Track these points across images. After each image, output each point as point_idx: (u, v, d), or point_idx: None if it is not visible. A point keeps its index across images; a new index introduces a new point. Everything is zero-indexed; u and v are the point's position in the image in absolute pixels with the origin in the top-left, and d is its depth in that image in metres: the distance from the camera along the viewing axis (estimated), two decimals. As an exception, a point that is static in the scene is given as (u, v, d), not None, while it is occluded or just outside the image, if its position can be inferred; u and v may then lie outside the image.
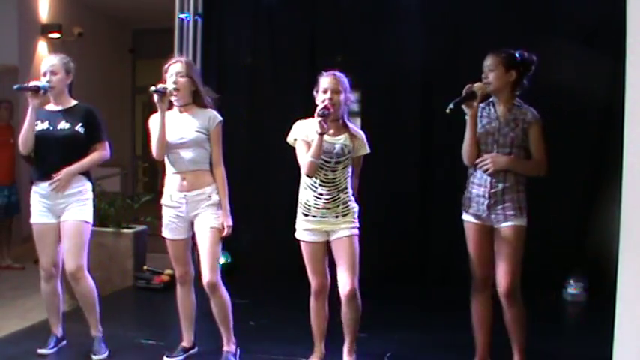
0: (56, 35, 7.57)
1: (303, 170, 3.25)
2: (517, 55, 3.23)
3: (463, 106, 3.19)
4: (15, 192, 6.36)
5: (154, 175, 10.61)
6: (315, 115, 3.13)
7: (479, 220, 3.24)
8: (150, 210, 5.92)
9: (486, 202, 3.19)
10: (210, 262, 3.36)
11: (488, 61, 3.22)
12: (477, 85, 3.19)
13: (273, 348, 3.77)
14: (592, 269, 5.05)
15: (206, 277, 3.36)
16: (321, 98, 3.24)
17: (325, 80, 3.27)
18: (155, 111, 3.35)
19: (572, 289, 5.06)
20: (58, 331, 3.72)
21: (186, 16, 5.97)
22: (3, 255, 6.36)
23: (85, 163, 3.54)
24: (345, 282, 3.24)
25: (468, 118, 3.20)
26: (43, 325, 4.07)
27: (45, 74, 3.53)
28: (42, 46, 7.58)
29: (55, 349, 3.67)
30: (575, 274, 5.08)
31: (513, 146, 3.19)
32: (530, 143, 3.19)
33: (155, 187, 10.37)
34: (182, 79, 3.38)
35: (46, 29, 7.56)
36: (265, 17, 5.86)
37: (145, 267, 5.49)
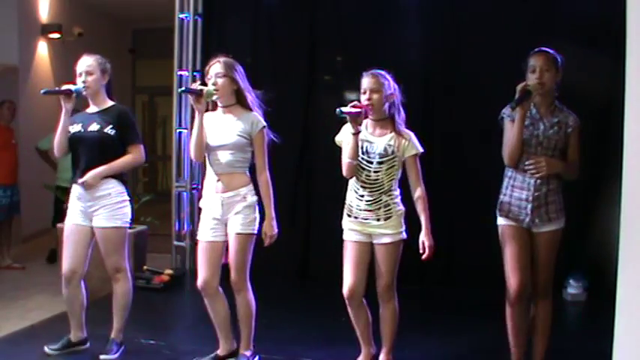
0: (56, 35, 7.58)
1: (343, 171, 3.21)
2: (559, 58, 3.20)
3: (518, 106, 3.07)
4: (17, 192, 6.37)
5: (154, 175, 10.63)
6: (337, 114, 3.08)
7: (521, 224, 3.17)
8: (150, 210, 5.92)
9: (530, 206, 3.14)
10: (235, 264, 3.34)
11: (541, 61, 3.13)
12: (531, 84, 3.09)
13: (273, 348, 3.76)
14: (592, 269, 5.05)
15: (232, 277, 3.35)
16: (362, 100, 3.20)
17: (364, 81, 3.22)
18: (194, 112, 3.33)
19: (572, 289, 5.05)
20: (75, 335, 3.67)
21: (186, 16, 5.98)
22: (3, 255, 6.36)
23: (114, 165, 3.50)
24: (379, 286, 3.27)
25: (517, 118, 3.09)
26: (43, 325, 4.08)
27: (80, 75, 3.53)
28: (42, 46, 7.58)
29: (59, 351, 3.62)
30: (575, 274, 5.08)
31: (556, 149, 3.15)
32: (570, 146, 3.17)
33: (155, 187, 10.41)
34: (221, 80, 3.32)
35: (46, 29, 7.57)
36: (265, 17, 5.86)
37: (144, 267, 5.49)
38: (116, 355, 3.59)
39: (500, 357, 3.37)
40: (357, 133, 3.12)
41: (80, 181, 3.47)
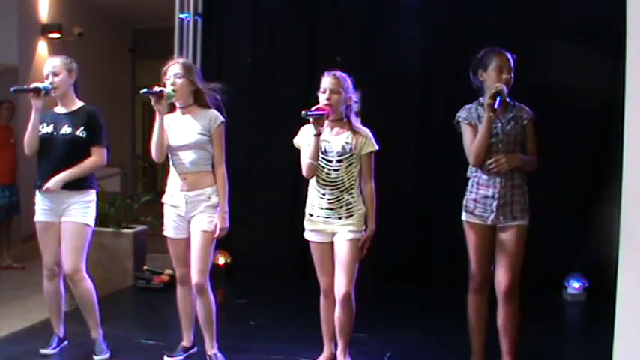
0: (56, 35, 7.57)
1: (303, 172, 3.25)
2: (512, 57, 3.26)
3: (493, 104, 3.09)
4: (16, 192, 6.37)
5: (154, 175, 10.63)
6: (303, 116, 3.12)
7: (483, 222, 3.22)
8: (150, 210, 5.91)
9: (495, 203, 3.18)
10: (198, 264, 3.36)
11: (506, 61, 3.20)
12: (500, 85, 3.12)
13: (273, 348, 3.76)
14: (592, 269, 5.05)
15: (194, 279, 3.37)
16: (321, 98, 3.24)
17: (325, 80, 3.27)
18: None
19: (572, 289, 5.06)
20: (60, 330, 3.72)
21: (186, 16, 5.97)
22: (3, 255, 6.36)
23: (75, 172, 3.50)
24: (339, 285, 3.24)
25: (486, 119, 3.11)
26: (43, 325, 4.07)
27: (47, 76, 3.53)
28: (42, 46, 7.57)
29: (57, 349, 3.67)
30: (575, 274, 5.09)
31: (516, 143, 3.21)
32: (527, 139, 3.24)
33: (155, 187, 10.40)
34: (179, 80, 3.37)
35: (46, 29, 7.56)
36: (265, 17, 5.86)
37: (144, 267, 5.48)
38: (108, 353, 3.60)
39: (500, 357, 3.36)
40: (318, 135, 3.16)
41: (43, 189, 3.48)
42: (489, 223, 3.21)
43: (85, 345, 3.68)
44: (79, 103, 3.64)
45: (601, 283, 4.82)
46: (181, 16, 5.97)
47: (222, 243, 5.29)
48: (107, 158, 3.65)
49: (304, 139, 3.29)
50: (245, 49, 5.81)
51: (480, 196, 3.23)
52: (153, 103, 3.31)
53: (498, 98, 3.06)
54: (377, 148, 3.31)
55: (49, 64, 3.57)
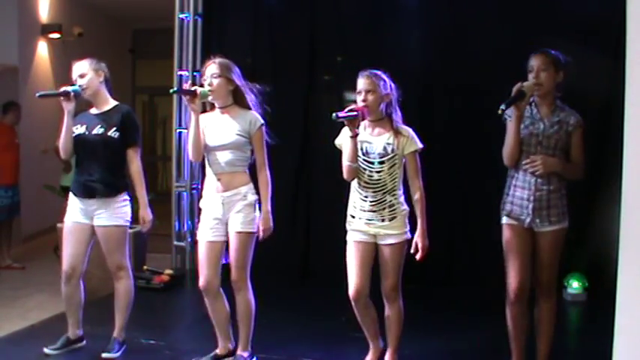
0: (56, 35, 7.57)
1: (343, 174, 3.20)
2: (561, 57, 3.20)
3: (512, 106, 3.09)
4: (17, 192, 6.37)
5: (154, 175, 10.63)
6: (334, 118, 3.08)
7: (523, 224, 3.17)
8: (150, 210, 5.92)
9: (531, 206, 3.13)
10: (236, 263, 3.35)
11: (538, 61, 3.14)
12: (526, 85, 3.10)
13: (274, 348, 3.76)
14: (592, 269, 5.05)
15: (233, 275, 3.36)
16: (357, 100, 3.19)
17: (359, 82, 3.21)
18: (204, 111, 3.35)
19: (572, 289, 5.06)
20: (71, 332, 3.69)
21: (186, 16, 5.98)
22: (3, 255, 6.36)
23: (143, 188, 3.67)
24: (387, 288, 3.27)
25: (513, 118, 3.10)
26: (43, 325, 4.08)
27: (75, 80, 3.55)
28: (42, 46, 7.58)
29: (59, 350, 3.63)
30: (575, 274, 5.08)
31: (557, 148, 3.14)
32: (572, 146, 3.16)
33: (155, 187, 10.41)
34: (216, 80, 3.33)
35: (46, 29, 7.56)
36: (265, 17, 5.86)
37: (144, 267, 5.49)
38: (118, 354, 3.60)
39: (501, 356, 3.37)
40: (354, 136, 3.12)
41: (144, 224, 3.65)
42: (526, 226, 3.16)
43: (91, 346, 3.68)
44: (112, 103, 3.65)
45: (601, 283, 4.82)
46: (181, 16, 5.97)
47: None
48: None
49: (344, 140, 3.24)
50: (245, 49, 5.81)
51: (517, 197, 3.18)
52: (186, 102, 3.30)
53: (510, 97, 3.03)
54: (421, 146, 3.25)
55: (76, 68, 3.58)
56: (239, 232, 3.33)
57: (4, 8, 6.98)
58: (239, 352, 3.46)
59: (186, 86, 3.36)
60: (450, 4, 5.42)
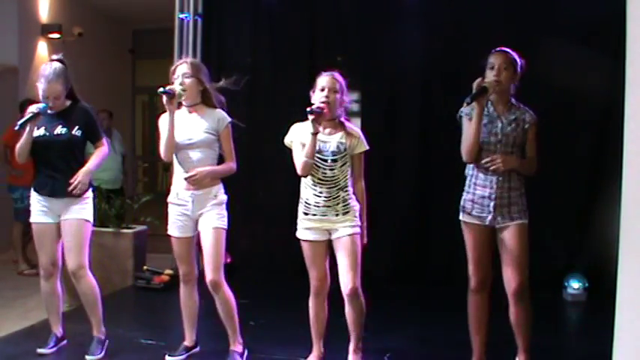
0: (56, 35, 7.57)
1: (298, 170, 3.28)
2: (517, 57, 3.25)
3: (474, 102, 3.14)
4: None
5: (154, 175, 10.62)
6: (310, 114, 3.16)
7: (481, 222, 3.23)
8: (150, 210, 5.92)
9: (492, 203, 3.18)
10: (212, 261, 3.36)
11: (500, 59, 3.20)
12: (487, 81, 3.16)
13: (273, 348, 3.76)
14: (592, 269, 5.05)
15: (209, 276, 3.37)
16: (317, 96, 3.27)
17: (323, 79, 3.30)
18: (164, 111, 3.37)
19: (572, 289, 5.06)
20: (58, 330, 3.73)
21: (186, 16, 5.97)
22: (23, 260, 6.22)
23: (95, 162, 3.57)
24: (347, 281, 3.25)
25: (474, 114, 3.15)
26: (43, 325, 4.07)
27: (46, 98, 3.49)
28: (42, 46, 7.57)
29: (54, 348, 3.67)
30: (575, 274, 5.08)
31: (515, 146, 3.21)
32: (528, 142, 3.23)
33: (155, 187, 10.40)
34: (188, 80, 3.40)
35: (46, 29, 7.56)
36: (265, 17, 5.86)
37: (144, 267, 5.48)
38: (101, 354, 3.60)
39: (501, 356, 3.36)
40: (316, 133, 3.19)
41: (75, 182, 3.46)
42: (487, 223, 3.22)
43: (83, 345, 3.68)
44: (67, 102, 3.61)
45: (601, 283, 4.82)
46: (181, 16, 5.97)
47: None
48: (108, 146, 3.72)
49: (297, 137, 3.32)
50: (245, 49, 5.81)
51: (477, 196, 3.23)
52: (165, 102, 3.33)
53: (473, 92, 3.09)
54: (367, 148, 3.36)
55: (45, 88, 3.48)
56: (216, 228, 3.38)
57: (4, 8, 6.98)
58: (232, 347, 3.50)
59: (169, 87, 3.37)
60: (449, 4, 5.42)
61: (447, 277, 5.30)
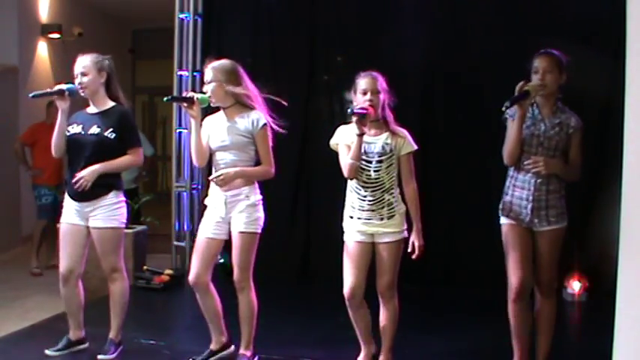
0: (56, 35, 7.57)
1: (345, 172, 3.22)
2: (564, 59, 3.22)
3: (516, 105, 3.10)
4: (61, 193, 6.22)
5: (154, 175, 10.63)
6: (352, 116, 3.12)
7: (521, 224, 3.19)
8: (150, 210, 5.92)
9: (530, 206, 3.15)
10: (239, 263, 3.37)
11: (544, 63, 3.15)
12: (531, 84, 3.11)
13: (273, 348, 3.76)
14: (592, 269, 5.05)
15: (235, 276, 3.38)
16: (360, 99, 3.22)
17: (364, 81, 3.25)
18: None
19: (572, 289, 5.05)
20: (73, 334, 3.68)
21: (186, 16, 5.98)
22: (35, 258, 6.17)
23: (113, 164, 3.50)
24: (380, 286, 3.28)
25: (515, 117, 3.12)
26: (43, 325, 4.08)
27: (77, 76, 3.51)
28: (42, 46, 7.58)
29: (61, 351, 3.62)
30: (575, 274, 5.08)
31: (557, 150, 3.16)
32: (571, 148, 3.19)
33: (155, 187, 10.41)
34: (210, 86, 3.36)
35: (46, 29, 7.56)
36: (265, 17, 5.86)
37: (144, 267, 5.48)
38: (114, 355, 3.59)
39: (500, 356, 3.36)
40: (362, 135, 3.14)
41: (79, 175, 3.44)
42: (525, 225, 3.19)
43: (88, 348, 3.69)
44: (109, 104, 3.59)
45: (601, 283, 4.82)
46: (181, 16, 5.98)
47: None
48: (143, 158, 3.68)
49: (342, 139, 3.27)
50: (245, 49, 5.81)
51: (516, 197, 3.20)
52: (184, 109, 3.33)
53: (514, 95, 3.04)
54: (415, 147, 3.31)
55: (79, 63, 3.53)
56: (242, 232, 3.34)
57: (4, 8, 6.98)
58: (241, 351, 3.47)
59: (184, 94, 3.35)
60: (449, 4, 5.42)
61: (447, 277, 5.30)
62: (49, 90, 3.53)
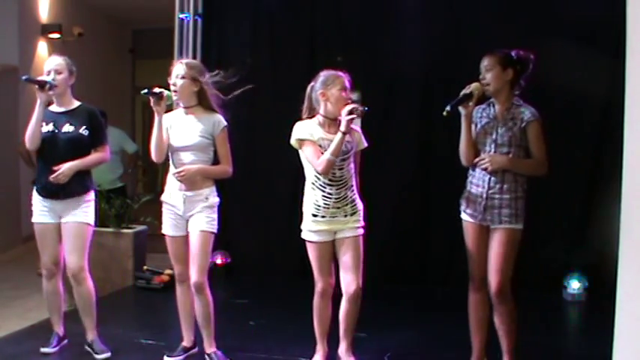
0: (56, 35, 7.57)
1: (320, 168, 3.21)
2: (513, 54, 3.24)
3: (459, 107, 3.21)
4: None
5: (154, 175, 10.63)
6: (346, 114, 3.14)
7: (476, 220, 3.24)
8: (150, 210, 5.91)
9: (483, 203, 3.19)
10: (197, 263, 3.39)
11: (485, 62, 3.22)
12: (473, 85, 3.20)
13: (273, 348, 3.76)
14: (592, 269, 5.05)
15: (192, 277, 3.39)
16: (339, 97, 3.24)
17: (340, 80, 3.28)
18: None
19: (572, 289, 5.06)
20: (60, 329, 3.74)
21: (186, 16, 5.97)
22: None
23: (86, 160, 3.56)
24: (350, 281, 3.27)
25: (462, 118, 3.21)
26: (43, 324, 4.07)
27: (49, 73, 3.55)
28: (42, 46, 7.57)
29: (57, 348, 3.69)
30: (575, 274, 5.09)
31: (512, 145, 3.16)
32: (530, 142, 3.16)
33: (155, 187, 10.39)
34: (180, 82, 3.39)
35: (46, 29, 7.56)
36: (265, 17, 5.86)
37: (144, 267, 5.49)
38: (109, 354, 3.61)
39: (500, 356, 3.36)
40: (346, 133, 3.18)
41: (57, 171, 3.46)
42: (478, 222, 3.22)
43: (84, 345, 3.68)
44: (76, 103, 3.66)
45: (601, 283, 4.82)
46: (181, 16, 5.97)
47: (222, 243, 5.29)
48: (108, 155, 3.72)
49: (308, 134, 3.27)
50: (245, 49, 5.81)
51: (472, 194, 3.25)
52: (152, 103, 3.34)
53: (454, 100, 3.15)
54: (366, 144, 3.40)
55: (52, 61, 3.60)
56: (203, 231, 3.38)
57: (4, 8, 6.98)
58: (208, 350, 3.51)
59: (155, 89, 3.37)
60: (449, 4, 5.42)
61: (446, 277, 5.30)
62: (35, 78, 3.63)
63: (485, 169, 3.17)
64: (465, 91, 3.19)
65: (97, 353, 3.60)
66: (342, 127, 3.16)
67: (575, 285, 5.06)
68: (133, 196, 6.11)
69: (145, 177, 10.27)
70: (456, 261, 5.37)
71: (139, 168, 9.92)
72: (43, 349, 3.64)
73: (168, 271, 5.39)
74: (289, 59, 5.74)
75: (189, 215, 3.42)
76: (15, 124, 6.54)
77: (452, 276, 5.31)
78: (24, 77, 3.65)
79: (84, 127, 3.56)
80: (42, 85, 3.49)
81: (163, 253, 6.19)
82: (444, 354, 3.80)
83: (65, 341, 3.75)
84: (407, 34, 5.44)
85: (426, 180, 5.52)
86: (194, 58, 5.92)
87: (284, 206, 5.58)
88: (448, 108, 3.12)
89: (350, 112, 3.15)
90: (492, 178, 3.17)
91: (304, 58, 5.69)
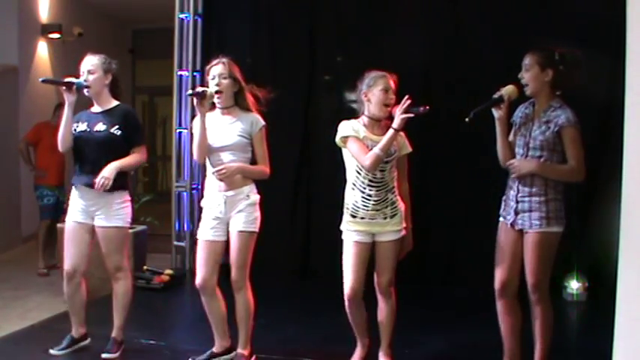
0: (56, 35, 7.57)
1: (367, 163, 3.15)
2: (556, 52, 3.13)
3: (493, 110, 3.13)
4: (63, 193, 6.23)
5: (154, 175, 10.63)
6: (402, 111, 3.09)
7: (508, 222, 3.19)
8: (150, 210, 5.92)
9: (514, 206, 3.14)
10: (236, 262, 3.36)
11: (525, 60, 3.12)
12: (506, 88, 3.11)
13: (273, 348, 3.76)
14: (592, 269, 5.05)
15: (233, 275, 3.37)
16: (381, 97, 3.22)
17: (384, 81, 3.26)
18: (195, 114, 3.35)
19: (572, 289, 5.06)
20: (77, 331, 3.70)
21: (186, 16, 5.98)
22: (42, 259, 6.14)
23: (125, 162, 3.52)
24: (385, 282, 3.31)
25: (496, 122, 3.14)
26: (43, 324, 4.08)
27: (83, 73, 3.55)
28: (42, 46, 7.58)
29: (65, 350, 3.63)
30: (575, 274, 5.08)
31: (544, 149, 3.06)
32: (565, 147, 3.03)
33: (155, 187, 10.41)
34: (225, 82, 3.35)
35: (46, 29, 7.56)
36: (265, 17, 5.86)
37: (145, 267, 5.49)
38: (117, 354, 3.60)
39: (500, 356, 3.36)
40: (399, 131, 3.14)
41: (101, 175, 3.43)
42: (509, 224, 3.17)
43: (89, 347, 3.69)
44: (114, 102, 3.64)
45: (601, 283, 4.82)
46: (181, 16, 5.98)
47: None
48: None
49: (352, 132, 3.22)
50: (245, 49, 5.81)
51: (507, 196, 3.22)
52: (195, 104, 3.31)
53: (482, 105, 3.10)
54: (410, 149, 3.37)
55: (87, 61, 3.58)
56: (241, 232, 3.34)
57: (4, 8, 6.98)
58: (239, 350, 3.47)
59: (198, 89, 3.35)
60: (450, 4, 5.42)
61: (447, 277, 5.30)
62: (59, 79, 3.60)
63: (515, 174, 3.13)
64: (495, 95, 3.10)
65: (106, 351, 3.57)
66: (395, 124, 3.10)
67: (575, 285, 5.05)
68: (133, 196, 6.12)
69: (145, 177, 10.29)
70: (456, 261, 5.39)
71: (139, 168, 9.95)
72: (52, 351, 3.60)
73: (168, 271, 5.40)
74: (289, 59, 5.74)
75: (229, 216, 3.37)
76: (15, 124, 6.54)
77: (452, 276, 5.31)
78: (41, 79, 3.62)
79: (116, 126, 3.52)
80: (68, 86, 3.47)
81: (163, 253, 6.22)
82: (444, 354, 3.80)
83: (84, 342, 3.71)
84: (407, 35, 5.44)
85: (427, 180, 5.51)
86: (194, 58, 5.93)
87: (285, 206, 5.59)
88: (471, 115, 3.03)
89: (406, 111, 3.09)
90: (521, 182, 3.11)
91: (304, 58, 5.69)
